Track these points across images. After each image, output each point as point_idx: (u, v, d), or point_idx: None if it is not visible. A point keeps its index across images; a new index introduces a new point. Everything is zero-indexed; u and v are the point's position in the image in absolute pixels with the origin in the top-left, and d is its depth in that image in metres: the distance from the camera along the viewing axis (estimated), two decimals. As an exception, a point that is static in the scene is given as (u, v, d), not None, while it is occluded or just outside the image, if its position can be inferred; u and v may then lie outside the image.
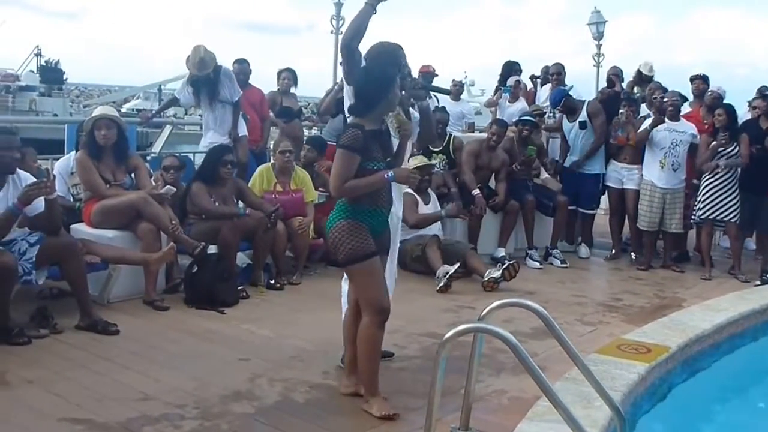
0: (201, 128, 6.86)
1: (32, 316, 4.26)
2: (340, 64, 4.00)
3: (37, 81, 44.81)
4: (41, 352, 3.95)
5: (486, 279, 5.65)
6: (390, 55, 3.74)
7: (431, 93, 7.57)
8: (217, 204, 5.43)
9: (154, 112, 7.09)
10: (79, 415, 3.18)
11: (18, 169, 4.16)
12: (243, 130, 6.69)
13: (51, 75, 46.10)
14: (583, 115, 7.07)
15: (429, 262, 5.89)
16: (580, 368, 3.13)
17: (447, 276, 5.60)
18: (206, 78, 6.39)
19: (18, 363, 3.75)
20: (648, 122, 6.68)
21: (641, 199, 6.77)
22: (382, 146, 3.38)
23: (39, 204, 4.19)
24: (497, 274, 5.65)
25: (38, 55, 48.92)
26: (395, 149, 3.52)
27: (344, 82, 3.86)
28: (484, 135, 7.17)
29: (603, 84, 7.87)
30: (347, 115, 3.64)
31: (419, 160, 6.28)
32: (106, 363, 3.82)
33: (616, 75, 7.68)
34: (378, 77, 3.38)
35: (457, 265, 5.66)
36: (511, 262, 5.84)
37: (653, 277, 6.54)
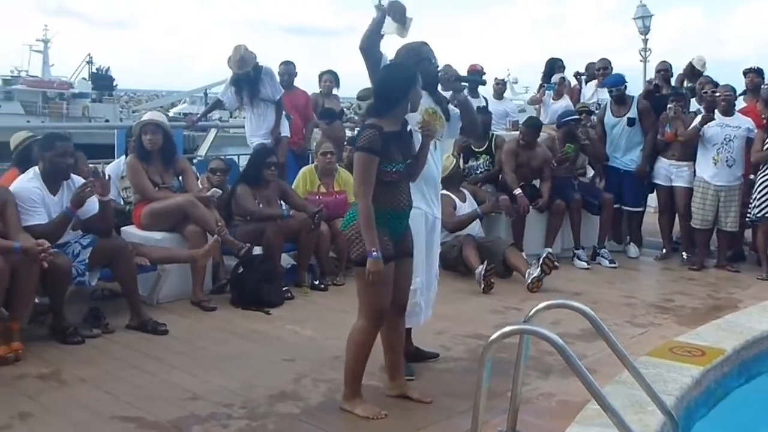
0: (245, 130, 6.93)
1: (85, 316, 4.36)
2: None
3: (89, 88, 46.48)
4: (94, 351, 4.06)
5: (529, 282, 5.56)
6: (415, 53, 3.69)
7: (479, 93, 7.53)
8: (261, 206, 5.48)
9: (199, 115, 7.21)
10: (130, 413, 3.24)
11: (72, 174, 4.26)
12: (285, 130, 6.74)
13: (102, 82, 47.69)
14: (632, 112, 6.89)
15: (467, 262, 5.84)
16: (631, 371, 3.08)
17: (482, 277, 5.54)
18: (247, 76, 6.47)
19: (72, 362, 3.85)
20: (697, 120, 6.48)
21: (694, 196, 6.57)
22: (403, 147, 3.30)
23: (92, 207, 4.30)
24: (537, 272, 5.56)
25: (90, 63, 50.74)
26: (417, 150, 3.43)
27: None
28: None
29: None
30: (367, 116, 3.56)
31: (450, 161, 6.21)
32: (155, 362, 3.89)
33: (665, 70, 7.48)
34: (398, 76, 3.32)
35: (486, 263, 5.59)
36: (546, 255, 5.71)
37: (706, 277, 6.35)
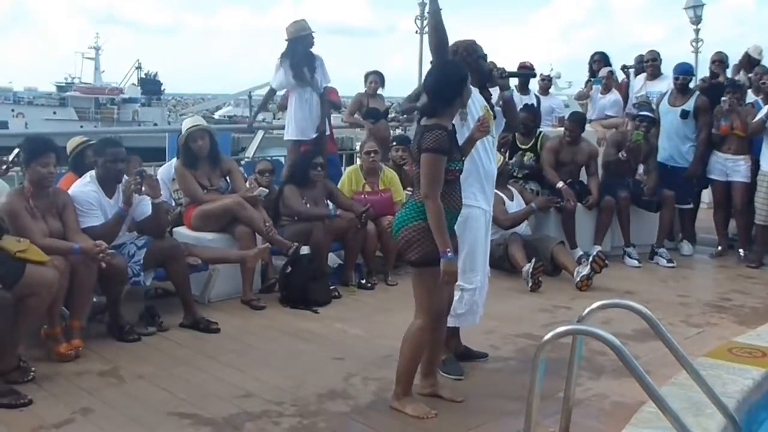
0: (286, 122, 6.66)
1: (141, 314, 4.46)
2: (430, 62, 3.96)
3: (139, 93, 47.97)
4: (149, 348, 4.15)
5: (578, 279, 5.49)
6: (469, 50, 3.69)
7: (530, 90, 7.43)
8: (308, 206, 5.53)
9: (255, 110, 7.09)
10: (185, 410, 3.30)
11: (125, 177, 4.37)
12: (327, 128, 6.65)
13: (150, 87, 49.33)
14: (689, 105, 6.71)
15: (513, 261, 5.79)
16: (690, 372, 2.99)
17: (530, 275, 5.49)
18: (305, 41, 6.34)
19: (129, 359, 3.95)
20: (764, 112, 6.25)
21: (758, 191, 6.33)
22: (457, 146, 3.31)
23: (146, 209, 4.41)
24: (586, 270, 5.49)
25: (138, 68, 52.42)
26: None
27: None
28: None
29: (703, 71, 7.48)
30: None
31: (497, 158, 6.20)
32: (208, 360, 3.96)
33: (720, 61, 7.26)
34: (452, 75, 3.31)
35: (533, 260, 5.54)
36: (597, 253, 5.64)
37: (766, 275, 6.14)
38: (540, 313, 4.93)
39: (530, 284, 5.48)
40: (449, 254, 3.13)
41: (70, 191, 4.26)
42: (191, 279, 4.64)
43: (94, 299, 4.23)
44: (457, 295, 3.68)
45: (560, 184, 6.36)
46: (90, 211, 4.22)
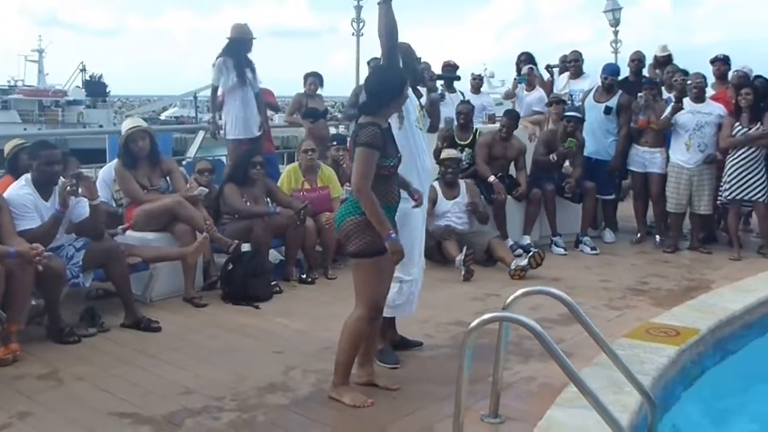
0: (226, 121, 6.69)
1: (81, 316, 4.46)
2: (367, 63, 4.11)
3: (83, 95, 47.26)
4: (90, 350, 4.15)
5: (513, 268, 5.73)
6: (406, 53, 3.84)
7: (455, 87, 7.67)
8: (248, 204, 5.62)
9: (210, 117, 7.02)
10: (126, 409, 3.34)
11: (61, 179, 4.36)
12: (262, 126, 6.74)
13: (95, 89, 48.43)
14: (612, 102, 7.06)
15: (446, 253, 5.99)
16: (608, 353, 3.16)
17: (462, 264, 5.71)
18: (246, 44, 6.48)
19: (69, 361, 3.95)
20: (668, 110, 6.64)
21: (668, 181, 6.75)
22: (394, 144, 3.46)
23: (83, 210, 4.41)
24: (524, 262, 5.73)
25: (83, 70, 51.35)
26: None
27: None
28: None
29: (623, 70, 7.80)
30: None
31: (448, 153, 6.43)
32: (149, 359, 4.00)
33: (639, 60, 7.62)
34: (392, 78, 3.47)
35: (464, 249, 5.76)
36: (537, 250, 5.92)
37: (680, 259, 6.52)
38: (472, 302, 5.11)
39: (463, 272, 5.69)
40: (393, 235, 3.28)
41: (5, 194, 4.24)
42: (132, 279, 4.67)
43: (33, 302, 4.21)
44: (395, 287, 3.82)
45: (492, 178, 6.60)
46: (26, 213, 4.20)
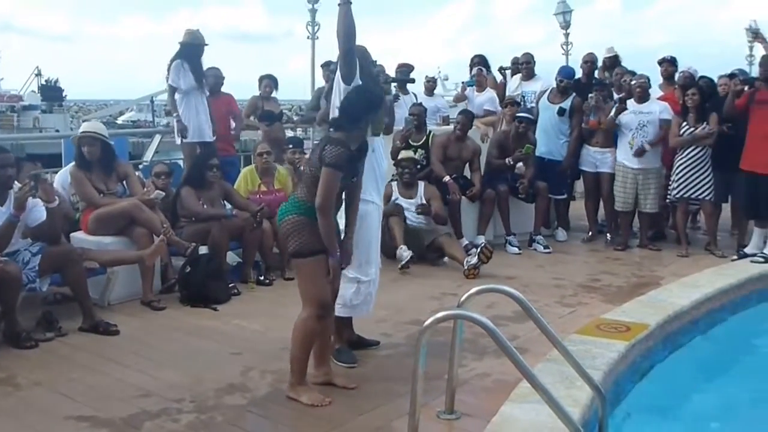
0: (180, 123, 6.61)
1: (38, 321, 4.41)
2: (321, 66, 4.15)
3: (39, 100, 46.35)
4: (47, 354, 4.11)
5: (466, 268, 5.84)
6: (361, 57, 3.86)
7: (408, 90, 7.79)
8: (205, 206, 5.63)
9: (176, 116, 7.01)
10: (83, 413, 3.32)
11: (16, 183, 4.30)
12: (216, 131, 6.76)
13: (51, 93, 47.43)
14: (566, 104, 7.21)
15: (391, 234, 6.07)
16: (559, 349, 3.22)
17: (402, 265, 5.85)
18: (199, 50, 6.53)
19: (26, 366, 3.91)
20: (613, 111, 6.85)
21: (616, 180, 6.93)
22: (355, 166, 3.50)
23: (39, 214, 4.36)
24: (474, 260, 5.83)
25: (38, 75, 50.48)
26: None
27: (338, 83, 3.90)
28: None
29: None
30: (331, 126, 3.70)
31: (405, 154, 6.52)
32: (108, 363, 3.98)
33: (591, 62, 7.80)
34: (370, 102, 3.51)
35: (409, 257, 5.88)
36: (484, 243, 6.02)
37: (630, 256, 6.68)
38: (429, 301, 5.18)
39: (400, 266, 5.85)
40: (338, 254, 3.40)
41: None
42: (90, 283, 4.63)
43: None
44: (353, 287, 3.89)
45: (446, 179, 6.70)
46: (-21, 219, 4.15)
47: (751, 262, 6.14)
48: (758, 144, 6.15)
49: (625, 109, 6.79)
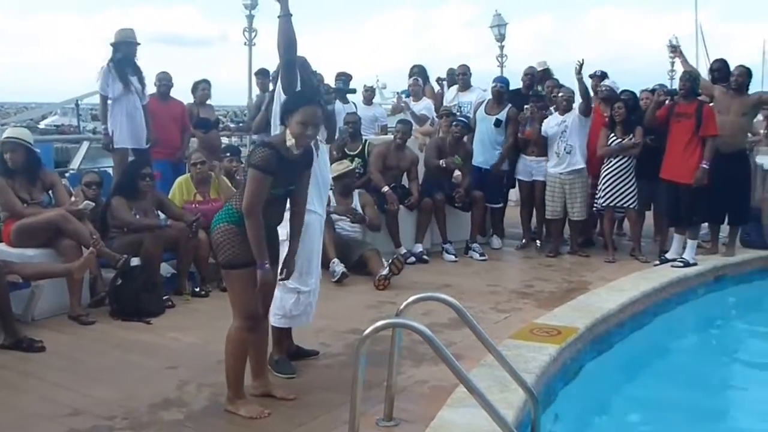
0: (112, 130, 6.51)
1: (-45, 339, 4.21)
2: (255, 74, 4.12)
3: None
4: (-34, 374, 3.93)
5: (377, 277, 5.84)
6: (301, 68, 3.85)
7: (348, 99, 7.84)
8: (138, 216, 5.49)
9: (104, 128, 6.79)
10: (6, 436, 3.19)
11: None
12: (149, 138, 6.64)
13: None
14: (502, 115, 7.37)
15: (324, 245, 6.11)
16: (493, 354, 3.32)
17: (337, 278, 5.85)
18: (130, 50, 6.38)
19: (-57, 386, 3.72)
20: (549, 123, 7.09)
21: (546, 189, 7.16)
22: (291, 174, 3.43)
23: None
24: (385, 271, 5.85)
25: None
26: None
27: (279, 94, 3.87)
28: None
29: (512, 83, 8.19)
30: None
31: (345, 165, 6.54)
32: (33, 381, 3.83)
33: (532, 75, 8.02)
34: (299, 103, 3.43)
35: (341, 273, 5.88)
36: (396, 257, 6.07)
37: (561, 263, 6.89)
38: (367, 310, 5.20)
39: (334, 280, 5.85)
40: (266, 266, 3.30)
41: None
42: (12, 297, 4.44)
43: None
44: (293, 297, 3.87)
45: (385, 188, 6.75)
46: None
47: (672, 266, 6.41)
48: (677, 155, 6.43)
49: (546, 116, 7.06)
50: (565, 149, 6.99)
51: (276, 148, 3.31)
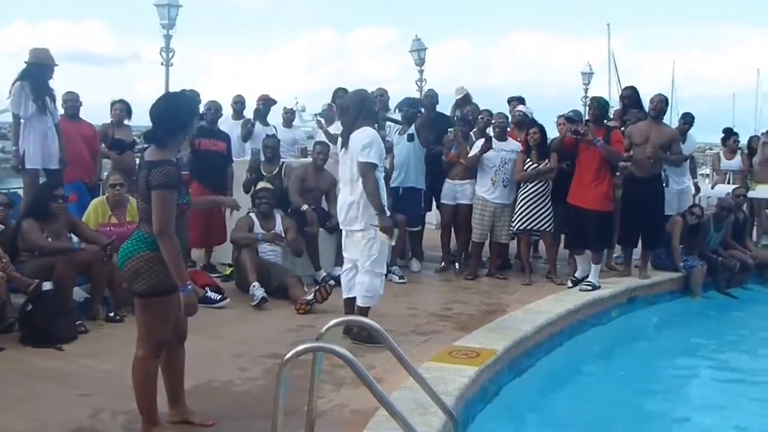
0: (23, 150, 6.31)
1: None
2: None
3: None
4: None
5: (299, 302, 5.80)
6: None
7: (268, 122, 7.83)
8: (50, 239, 5.31)
9: (15, 149, 6.36)
10: None
11: None
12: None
13: None
14: (412, 129, 7.35)
15: (243, 267, 6.11)
16: (414, 376, 3.37)
17: (257, 302, 5.84)
18: (44, 70, 6.24)
19: None
20: (477, 148, 7.10)
21: (474, 213, 7.21)
22: (182, 180, 3.40)
23: None
24: (309, 297, 5.84)
25: None
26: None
27: None
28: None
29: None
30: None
31: (263, 184, 6.53)
32: (-67, 412, 3.64)
33: (431, 96, 8.02)
34: (181, 106, 3.40)
35: (260, 298, 5.85)
36: (323, 284, 6.05)
37: (480, 285, 7.00)
38: (287, 334, 5.17)
39: (254, 303, 5.83)
40: (189, 287, 3.26)
41: None
42: None
43: None
44: (379, 280, 4.70)
45: (304, 207, 6.75)
46: None
47: (580, 290, 6.61)
48: (585, 181, 6.67)
49: (491, 147, 7.05)
50: (503, 182, 7.10)
51: (170, 161, 3.27)
